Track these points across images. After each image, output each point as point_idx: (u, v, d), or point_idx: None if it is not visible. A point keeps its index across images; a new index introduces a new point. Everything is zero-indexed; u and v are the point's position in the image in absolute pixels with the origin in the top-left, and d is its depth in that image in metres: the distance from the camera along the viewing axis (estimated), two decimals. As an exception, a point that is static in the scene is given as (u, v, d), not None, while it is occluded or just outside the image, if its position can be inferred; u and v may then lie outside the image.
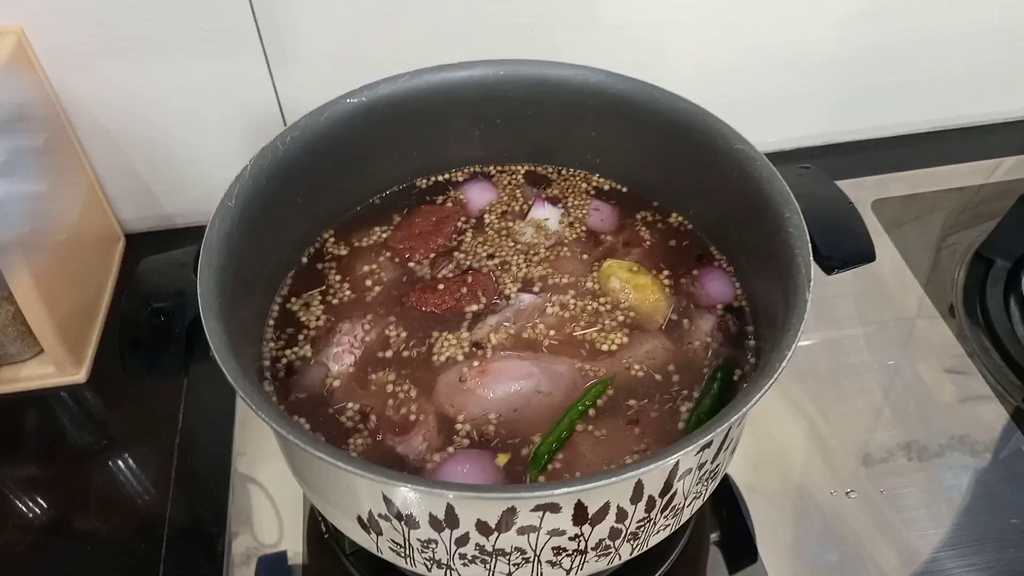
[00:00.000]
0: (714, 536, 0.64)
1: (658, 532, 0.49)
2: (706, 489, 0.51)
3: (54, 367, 0.74)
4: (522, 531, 0.43)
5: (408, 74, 0.61)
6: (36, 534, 0.65)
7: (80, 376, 0.74)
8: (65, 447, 0.71)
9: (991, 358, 0.74)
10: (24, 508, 0.67)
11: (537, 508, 0.42)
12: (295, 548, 0.64)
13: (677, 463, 0.44)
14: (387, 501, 0.43)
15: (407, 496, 0.42)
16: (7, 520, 0.66)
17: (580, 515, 0.43)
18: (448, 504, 0.42)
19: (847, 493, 0.65)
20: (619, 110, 0.62)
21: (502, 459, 0.50)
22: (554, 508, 0.42)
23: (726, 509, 0.66)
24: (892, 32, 0.87)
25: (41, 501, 0.67)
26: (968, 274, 0.81)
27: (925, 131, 0.96)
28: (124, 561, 0.63)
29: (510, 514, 0.42)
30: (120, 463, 0.70)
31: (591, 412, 0.52)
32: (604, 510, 0.44)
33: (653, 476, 0.43)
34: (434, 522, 0.44)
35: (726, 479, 0.66)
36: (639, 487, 0.44)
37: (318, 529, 0.64)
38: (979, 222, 0.86)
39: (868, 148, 0.96)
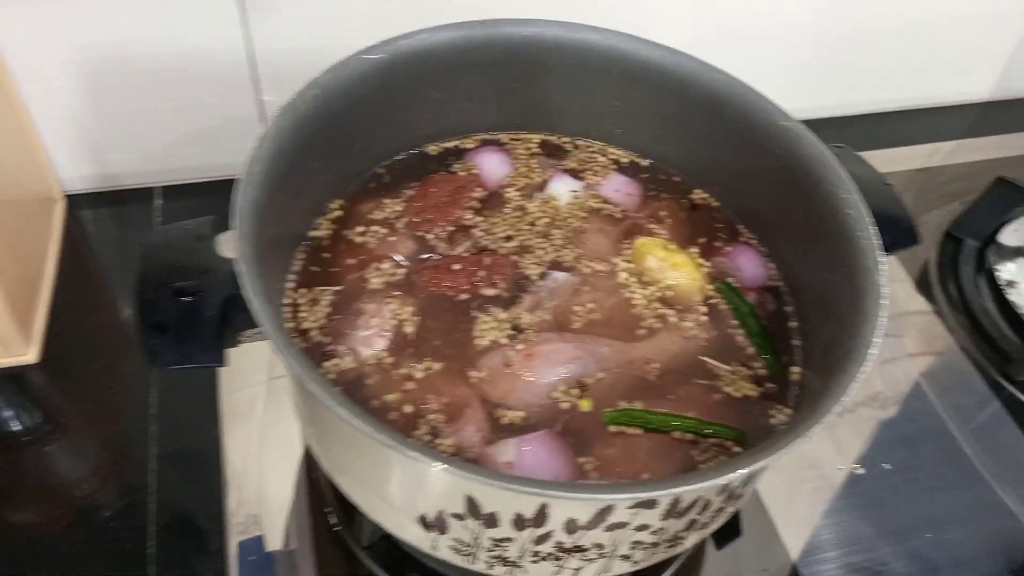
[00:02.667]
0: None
1: (719, 520, 0.48)
2: (764, 475, 0.50)
3: (0, 346, 0.65)
4: (610, 528, 0.41)
5: (429, 30, 0.56)
6: (4, 534, 0.58)
7: (30, 356, 0.66)
8: (20, 435, 0.63)
9: (967, 334, 0.77)
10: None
11: (635, 505, 0.40)
12: (295, 536, 0.59)
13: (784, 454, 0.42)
14: (470, 501, 0.40)
15: (497, 495, 0.39)
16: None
17: (672, 510, 0.41)
18: (542, 504, 0.39)
19: (853, 468, 0.67)
20: (646, 79, 0.59)
21: (584, 404, 0.49)
22: (650, 504, 0.40)
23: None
24: (869, 11, 0.88)
25: (7, 497, 0.59)
26: (940, 253, 0.84)
27: (890, 110, 0.99)
28: (109, 559, 0.57)
29: (606, 512, 0.40)
30: (87, 456, 0.63)
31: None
32: (693, 504, 0.42)
33: (751, 469, 0.42)
34: (518, 521, 0.41)
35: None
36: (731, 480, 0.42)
37: (324, 522, 0.60)
38: (945, 202, 0.89)
39: (833, 126, 0.97)
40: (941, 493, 0.65)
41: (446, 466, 0.36)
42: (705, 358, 0.53)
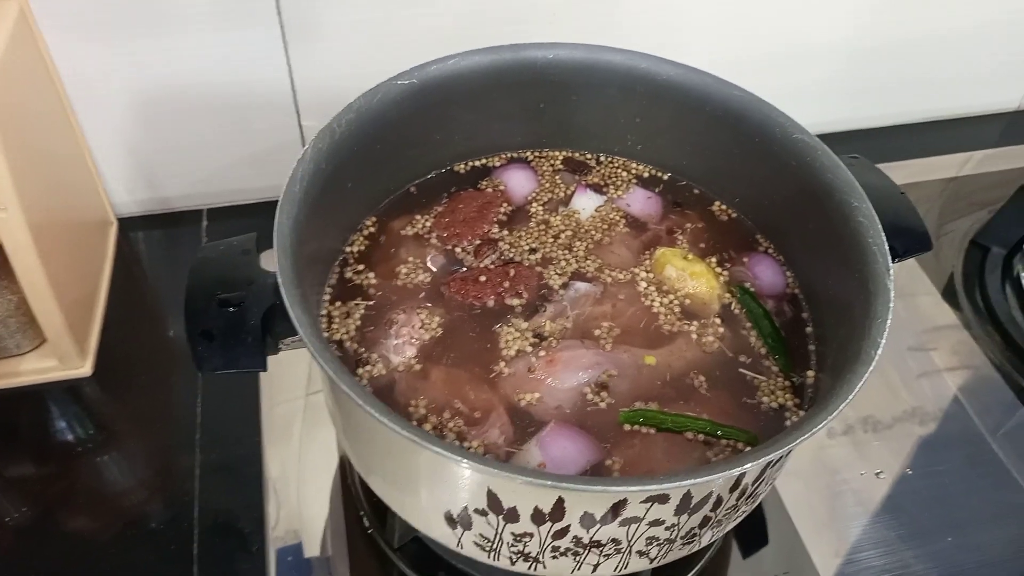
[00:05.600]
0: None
1: (736, 518, 0.50)
2: (778, 474, 0.52)
3: (57, 360, 0.69)
4: (624, 522, 0.43)
5: (458, 55, 0.60)
6: (47, 546, 0.61)
7: (86, 369, 0.70)
8: (78, 445, 0.67)
9: (993, 341, 0.78)
10: (30, 520, 0.62)
11: (648, 499, 0.42)
12: (330, 540, 0.62)
13: (788, 451, 0.44)
14: (492, 496, 0.42)
15: (517, 490, 0.41)
16: (24, 524, 0.62)
17: (684, 505, 0.43)
18: (559, 497, 0.41)
19: (876, 474, 0.67)
20: (667, 96, 0.62)
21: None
22: (663, 499, 0.42)
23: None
24: (901, 24, 0.89)
25: (50, 509, 0.63)
26: (966, 261, 0.84)
27: (922, 121, 0.99)
28: (155, 564, 0.60)
29: (620, 506, 0.42)
30: (139, 462, 0.66)
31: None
32: (705, 499, 0.44)
33: (760, 464, 0.44)
34: (537, 516, 0.43)
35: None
36: (742, 475, 0.44)
37: (357, 523, 0.62)
38: (973, 211, 0.89)
39: (864, 137, 0.98)
40: (964, 497, 0.66)
41: (470, 461, 0.39)
42: (744, 370, 0.54)
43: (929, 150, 0.98)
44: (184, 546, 0.61)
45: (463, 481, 0.43)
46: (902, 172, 0.93)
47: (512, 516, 0.43)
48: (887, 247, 0.50)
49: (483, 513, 0.44)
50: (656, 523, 0.44)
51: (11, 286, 0.65)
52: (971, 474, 0.68)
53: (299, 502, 0.64)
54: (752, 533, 0.64)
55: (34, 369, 0.69)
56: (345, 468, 0.66)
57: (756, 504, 0.52)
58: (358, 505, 0.63)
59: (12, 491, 0.64)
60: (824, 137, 1.02)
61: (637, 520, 0.43)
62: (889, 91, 0.96)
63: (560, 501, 0.42)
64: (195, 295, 0.47)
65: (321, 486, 0.65)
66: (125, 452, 0.67)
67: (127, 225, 0.84)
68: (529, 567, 0.47)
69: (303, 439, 0.68)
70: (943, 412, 0.73)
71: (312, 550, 0.62)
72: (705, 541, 0.49)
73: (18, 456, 0.66)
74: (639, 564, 0.48)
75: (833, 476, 0.67)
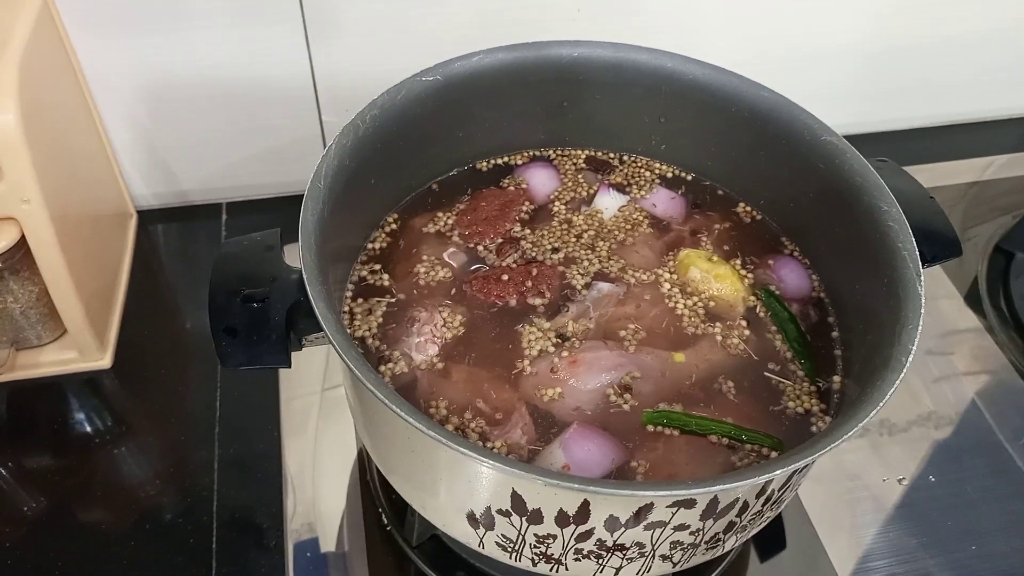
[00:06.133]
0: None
1: (760, 524, 0.49)
2: (804, 480, 0.51)
3: (77, 352, 0.69)
4: (649, 527, 0.43)
5: (482, 52, 0.59)
6: (64, 536, 0.61)
7: (105, 361, 0.70)
8: (97, 437, 0.67)
9: (1016, 347, 0.77)
10: (49, 510, 0.63)
11: (674, 504, 0.41)
12: (347, 536, 0.62)
13: (815, 459, 0.44)
14: (516, 497, 0.42)
15: (542, 492, 0.41)
16: (24, 520, 0.62)
17: (710, 510, 0.43)
18: (584, 500, 0.41)
19: (898, 480, 0.67)
20: (693, 96, 0.61)
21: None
22: (689, 504, 0.42)
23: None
24: (920, 27, 0.88)
25: (67, 501, 0.63)
26: (990, 266, 0.83)
27: (944, 124, 0.98)
28: (170, 566, 0.60)
29: (645, 510, 0.41)
30: (157, 455, 0.66)
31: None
32: (732, 505, 0.43)
33: (786, 472, 0.43)
34: (561, 518, 0.42)
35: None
36: (769, 482, 0.43)
37: (377, 521, 0.62)
38: (996, 216, 0.88)
39: (887, 140, 0.97)
40: (987, 506, 0.65)
41: (495, 462, 0.38)
42: (769, 374, 0.54)
43: (952, 154, 0.97)
44: (203, 540, 0.61)
45: (487, 482, 0.43)
46: (923, 176, 0.92)
47: (536, 518, 0.43)
48: (917, 252, 0.49)
49: (506, 514, 0.44)
50: (681, 528, 0.44)
51: (33, 277, 0.65)
52: (992, 483, 0.67)
53: (316, 497, 0.64)
54: (771, 538, 0.63)
55: (54, 361, 0.69)
56: (363, 464, 0.66)
57: (780, 509, 0.51)
58: (376, 502, 0.63)
59: (30, 481, 0.64)
60: (853, 139, 1.01)
61: (662, 524, 0.43)
62: (910, 94, 0.95)
63: (585, 504, 0.41)
64: (219, 291, 0.47)
65: (339, 481, 0.65)
66: (143, 445, 0.67)
67: (147, 218, 0.84)
68: (551, 569, 0.47)
69: (320, 434, 0.68)
70: (960, 417, 0.72)
71: (329, 545, 0.62)
72: (728, 546, 0.49)
73: (37, 447, 0.66)
74: (661, 568, 0.47)
75: (853, 481, 0.66)
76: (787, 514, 0.64)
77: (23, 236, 0.61)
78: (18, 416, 0.68)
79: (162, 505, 0.63)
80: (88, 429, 0.68)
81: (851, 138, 0.94)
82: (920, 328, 0.45)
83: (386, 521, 0.62)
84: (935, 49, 0.91)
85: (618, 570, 0.47)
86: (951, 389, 0.74)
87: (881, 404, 0.42)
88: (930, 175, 0.93)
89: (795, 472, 0.45)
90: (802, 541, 0.63)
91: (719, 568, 0.60)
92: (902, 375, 0.43)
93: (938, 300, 0.81)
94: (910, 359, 0.44)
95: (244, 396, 0.69)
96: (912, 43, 0.90)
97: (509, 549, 0.47)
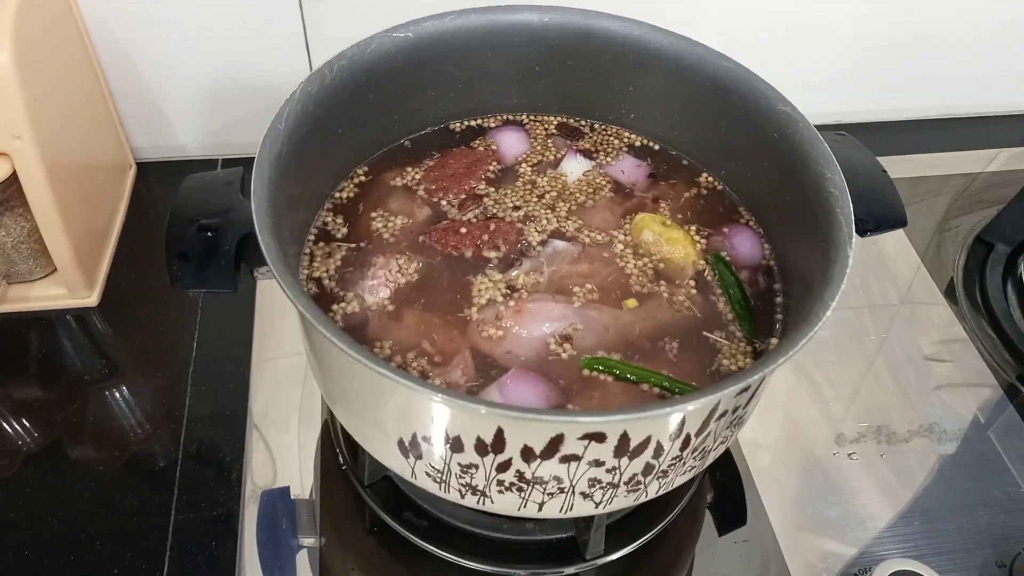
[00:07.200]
0: (710, 498, 0.67)
1: (685, 473, 0.51)
2: (731, 435, 0.53)
3: (66, 288, 0.73)
4: (564, 459, 0.45)
5: (454, 13, 0.61)
6: (43, 461, 0.65)
7: (92, 299, 0.74)
8: (75, 371, 0.71)
9: (987, 336, 0.77)
10: (30, 434, 0.66)
11: (584, 436, 0.43)
12: (304, 474, 0.65)
13: (719, 402, 0.45)
14: (436, 422, 0.44)
15: (459, 418, 0.43)
16: (7, 447, 0.65)
17: (622, 447, 0.44)
18: (498, 427, 0.43)
19: (849, 455, 0.68)
20: (659, 65, 0.63)
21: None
22: (600, 438, 0.43)
23: (721, 472, 0.68)
24: (913, 19, 0.89)
25: (49, 427, 0.67)
26: (968, 257, 0.84)
27: (933, 118, 0.99)
28: (135, 492, 0.63)
29: (557, 441, 0.43)
30: (133, 389, 0.70)
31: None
32: (644, 444, 0.45)
33: (696, 413, 0.45)
34: (479, 446, 0.44)
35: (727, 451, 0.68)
36: (681, 423, 0.45)
37: (334, 461, 0.65)
38: (979, 208, 0.88)
39: (876, 130, 0.98)
40: (936, 487, 0.66)
41: (407, 381, 0.40)
42: (707, 333, 0.55)
43: (944, 147, 0.97)
44: (168, 469, 0.64)
45: (409, 406, 0.45)
46: (912, 165, 0.93)
47: (457, 445, 0.45)
48: (852, 217, 0.50)
49: (430, 441, 0.46)
50: (596, 463, 0.45)
51: (25, 214, 0.69)
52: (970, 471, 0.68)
53: (278, 436, 0.67)
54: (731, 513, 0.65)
55: (43, 296, 0.73)
56: (325, 407, 0.68)
57: (708, 462, 0.53)
58: (335, 443, 0.65)
59: (15, 409, 0.68)
60: (843, 128, 1.02)
61: (576, 458, 0.45)
62: (906, 85, 0.96)
63: (500, 432, 0.43)
64: (176, 220, 0.49)
65: (303, 425, 0.68)
66: (122, 379, 0.70)
67: (146, 170, 0.87)
68: (478, 501, 0.49)
69: (288, 377, 0.70)
70: (927, 402, 0.72)
71: (286, 481, 0.64)
72: (653, 492, 0.51)
73: (23, 375, 0.70)
74: (585, 507, 0.49)
75: (804, 455, 0.68)
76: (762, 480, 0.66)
77: (15, 172, 0.65)
78: (7, 346, 0.71)
79: (133, 435, 0.66)
80: (71, 362, 0.71)
81: (847, 127, 0.95)
82: (843, 286, 0.46)
83: (342, 461, 0.64)
84: (931, 41, 0.92)
85: (541, 505, 0.48)
86: (916, 374, 0.75)
87: (791, 353, 0.43)
88: (917, 166, 0.94)
89: (711, 416, 0.46)
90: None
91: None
92: (817, 327, 0.44)
93: (909, 278, 0.82)
94: (828, 313, 0.45)
95: (221, 335, 0.73)
96: (909, 34, 0.90)
97: (438, 479, 0.49)
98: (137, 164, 0.87)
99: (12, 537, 0.60)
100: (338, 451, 0.65)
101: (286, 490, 0.64)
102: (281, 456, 0.66)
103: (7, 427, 0.66)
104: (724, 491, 0.66)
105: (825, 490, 0.66)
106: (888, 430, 0.70)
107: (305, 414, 0.69)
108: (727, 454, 0.68)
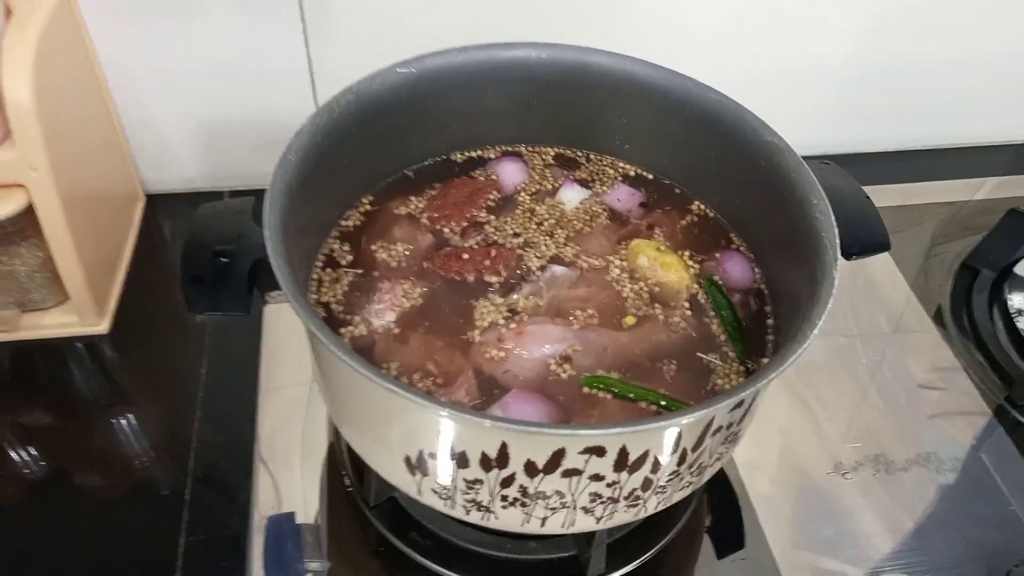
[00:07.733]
0: (708, 522, 0.68)
1: (683, 488, 0.53)
2: (727, 452, 0.54)
3: (77, 316, 0.75)
4: (566, 474, 0.46)
5: (456, 49, 0.64)
6: (55, 486, 0.66)
7: (103, 327, 0.76)
8: (86, 397, 0.72)
9: (975, 360, 0.79)
10: (42, 460, 0.67)
11: (585, 450, 0.45)
12: (311, 497, 0.66)
13: (714, 417, 0.47)
14: (442, 437, 0.46)
15: (464, 432, 0.45)
16: (20, 472, 0.66)
17: (622, 461, 0.46)
18: (503, 442, 0.45)
19: (843, 475, 0.69)
20: (650, 98, 0.65)
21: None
22: (600, 452, 0.45)
23: (719, 496, 0.69)
24: (896, 54, 0.92)
25: (60, 452, 0.68)
26: (955, 282, 0.86)
27: (918, 148, 1.02)
28: (144, 518, 0.64)
29: (559, 455, 0.45)
30: (141, 416, 0.71)
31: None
32: (643, 458, 0.47)
33: (692, 428, 0.47)
34: (484, 461, 0.46)
35: (724, 473, 0.70)
36: (678, 438, 0.47)
37: (340, 484, 0.66)
38: (965, 235, 0.91)
39: (862, 161, 1.01)
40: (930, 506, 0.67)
41: (414, 396, 0.42)
42: (701, 354, 0.57)
43: (936, 175, 1.00)
44: (177, 493, 0.65)
45: (415, 422, 0.47)
46: (898, 195, 0.96)
47: (462, 461, 0.47)
48: (838, 240, 0.52)
49: (436, 457, 0.48)
50: (597, 478, 0.47)
51: (39, 243, 0.71)
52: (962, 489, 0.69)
53: (288, 460, 0.68)
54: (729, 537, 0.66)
55: (56, 323, 0.75)
56: (333, 429, 0.70)
57: (704, 478, 0.54)
58: (341, 465, 0.67)
59: (27, 435, 0.69)
60: (833, 157, 1.05)
61: (578, 472, 0.46)
62: (893, 116, 0.99)
63: (504, 447, 0.45)
64: (191, 245, 0.52)
65: (310, 447, 0.69)
66: (132, 405, 0.72)
67: (155, 202, 0.90)
68: (482, 517, 0.51)
69: (295, 403, 0.72)
70: (922, 429, 0.74)
71: (293, 506, 0.66)
72: (652, 507, 0.52)
73: (35, 401, 0.71)
74: (586, 522, 0.51)
75: (799, 474, 0.69)
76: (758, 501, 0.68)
77: (31, 203, 0.67)
78: (20, 373, 0.73)
79: (142, 460, 0.68)
80: (82, 388, 0.73)
81: (833, 158, 0.98)
82: (830, 306, 0.48)
83: (348, 483, 0.66)
84: (918, 73, 0.95)
85: (543, 520, 0.50)
86: (908, 400, 0.77)
87: (781, 369, 0.45)
88: (904, 195, 0.97)
89: (707, 432, 0.48)
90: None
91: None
92: (805, 345, 0.46)
93: (897, 304, 0.84)
94: (815, 332, 0.47)
95: (228, 363, 0.74)
96: (896, 65, 0.94)
97: (443, 496, 0.50)
98: (146, 196, 0.89)
99: (24, 562, 0.61)
100: (344, 473, 0.67)
101: (292, 515, 0.66)
102: (287, 481, 0.67)
103: (21, 452, 0.67)
104: (722, 514, 0.68)
105: (820, 510, 0.67)
106: (885, 459, 0.71)
107: (310, 440, 0.70)
108: (725, 479, 0.70)
